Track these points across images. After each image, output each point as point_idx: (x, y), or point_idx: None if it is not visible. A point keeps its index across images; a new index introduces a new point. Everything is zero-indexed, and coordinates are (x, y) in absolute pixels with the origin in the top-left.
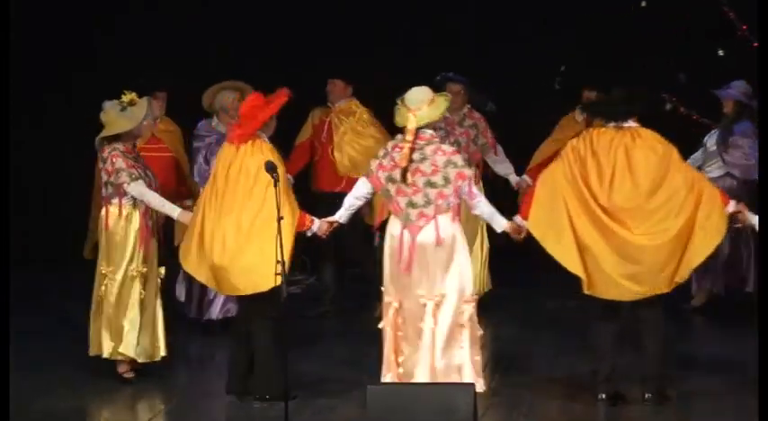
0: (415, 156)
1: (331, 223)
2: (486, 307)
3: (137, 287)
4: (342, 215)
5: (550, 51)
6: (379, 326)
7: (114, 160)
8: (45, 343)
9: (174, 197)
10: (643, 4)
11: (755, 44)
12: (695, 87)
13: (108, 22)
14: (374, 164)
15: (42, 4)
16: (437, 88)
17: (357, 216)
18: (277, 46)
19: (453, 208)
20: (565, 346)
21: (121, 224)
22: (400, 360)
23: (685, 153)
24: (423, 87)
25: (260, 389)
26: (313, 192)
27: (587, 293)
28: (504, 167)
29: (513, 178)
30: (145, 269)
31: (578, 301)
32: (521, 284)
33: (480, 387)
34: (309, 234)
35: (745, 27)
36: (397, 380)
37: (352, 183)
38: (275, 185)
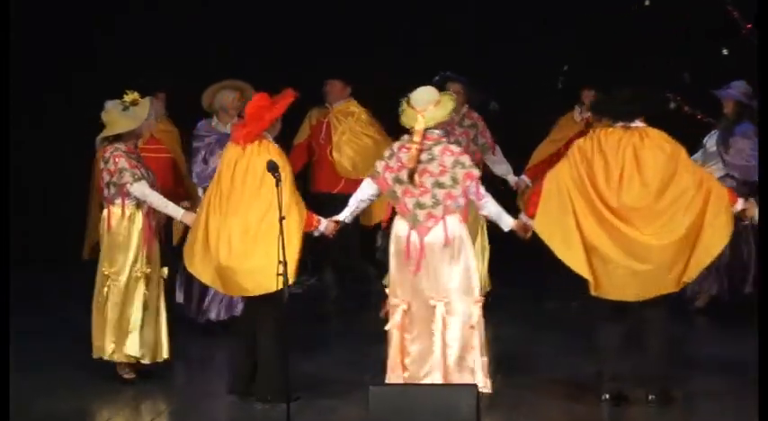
0: (423, 156)
1: (337, 222)
2: (487, 307)
3: (141, 288)
4: (346, 215)
5: (550, 51)
6: (387, 327)
7: (117, 160)
8: (45, 343)
9: (171, 198)
10: (647, 2)
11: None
12: (699, 87)
13: (108, 22)
14: (380, 165)
15: (42, 4)
16: (437, 88)
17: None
18: (277, 46)
19: (461, 208)
20: (567, 347)
21: (124, 225)
22: (407, 362)
23: (688, 153)
24: (428, 87)
25: (262, 391)
26: (312, 193)
27: (595, 295)
28: (502, 168)
29: (512, 178)
30: (148, 270)
31: (580, 302)
32: (522, 285)
33: (488, 388)
34: (317, 234)
35: (748, 26)
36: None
37: (350, 183)
38: (277, 185)
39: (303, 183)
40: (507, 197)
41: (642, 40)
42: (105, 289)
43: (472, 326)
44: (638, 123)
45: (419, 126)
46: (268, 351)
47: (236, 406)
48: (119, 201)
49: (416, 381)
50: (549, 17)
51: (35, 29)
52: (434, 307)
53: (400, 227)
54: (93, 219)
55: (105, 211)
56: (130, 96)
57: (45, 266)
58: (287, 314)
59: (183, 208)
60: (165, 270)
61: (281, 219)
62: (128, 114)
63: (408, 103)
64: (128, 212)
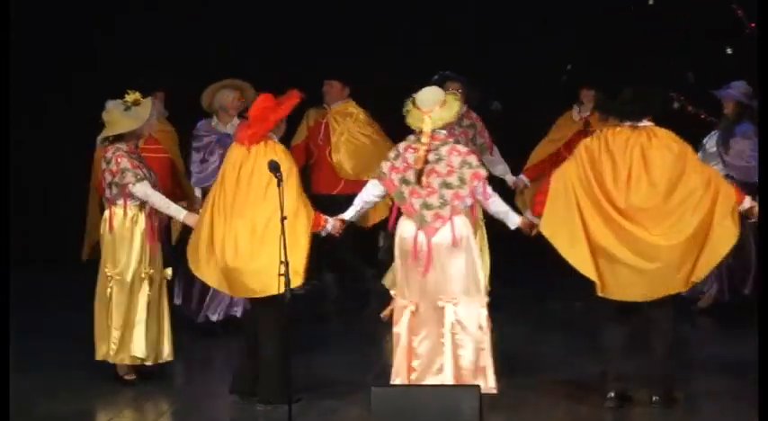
0: (430, 157)
1: (343, 221)
2: (489, 307)
3: (145, 289)
4: (351, 214)
5: (550, 51)
6: (395, 329)
7: (119, 160)
8: (45, 343)
9: (168, 198)
10: (650, 1)
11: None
12: (703, 87)
13: (108, 22)
14: (386, 166)
15: (42, 4)
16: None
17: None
18: (277, 46)
19: (468, 209)
20: (570, 347)
21: (127, 225)
22: (414, 364)
23: None
24: (433, 88)
25: (264, 393)
26: (311, 194)
27: (601, 295)
28: (499, 168)
29: (510, 178)
30: (152, 271)
31: (584, 302)
32: (524, 285)
33: (495, 389)
34: (324, 234)
35: (752, 25)
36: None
37: (350, 184)
38: (279, 185)
39: (303, 184)
40: (505, 197)
41: (642, 40)
42: (109, 290)
43: (481, 327)
44: (646, 123)
45: (427, 127)
46: (270, 352)
47: (238, 407)
48: (121, 201)
49: (425, 383)
50: (549, 17)
51: (35, 29)
52: (443, 308)
53: (406, 228)
54: (92, 220)
55: (107, 212)
56: (132, 96)
57: (45, 266)
58: (291, 316)
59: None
60: (169, 271)
61: (283, 218)
62: (130, 114)
63: (414, 103)
64: (130, 213)
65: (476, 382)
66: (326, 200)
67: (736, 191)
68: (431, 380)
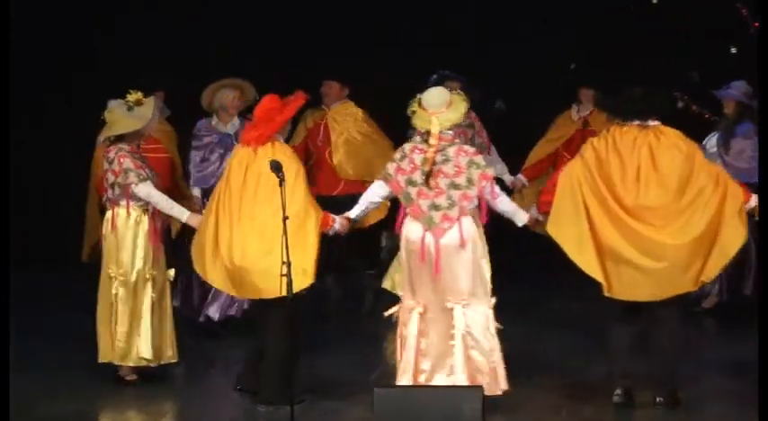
0: (437, 158)
1: (349, 219)
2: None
3: (149, 290)
4: (357, 213)
5: (550, 51)
6: (406, 332)
7: (122, 160)
8: (45, 343)
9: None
10: (654, 0)
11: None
12: (707, 86)
13: (108, 22)
14: (391, 167)
15: (42, 4)
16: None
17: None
18: (277, 46)
19: (475, 209)
20: (570, 348)
21: (130, 226)
22: (423, 366)
23: None
24: (439, 88)
25: (265, 394)
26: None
27: (608, 295)
28: (498, 168)
29: (508, 178)
30: (155, 271)
31: (582, 302)
32: (524, 285)
33: (507, 388)
34: (332, 233)
35: (755, 24)
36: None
37: (350, 185)
38: (280, 185)
39: None
40: None
41: (642, 39)
42: (114, 291)
43: (489, 327)
44: (654, 122)
45: (435, 129)
46: (274, 353)
47: (240, 407)
48: (123, 202)
49: (435, 384)
50: (549, 17)
51: (35, 29)
52: (452, 309)
53: (413, 229)
54: (92, 220)
55: (109, 212)
56: (134, 96)
57: (45, 266)
58: (292, 316)
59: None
60: (172, 272)
61: (285, 219)
62: (132, 114)
63: (420, 104)
64: (133, 213)
65: (488, 383)
66: (327, 201)
67: (743, 189)
68: (442, 381)
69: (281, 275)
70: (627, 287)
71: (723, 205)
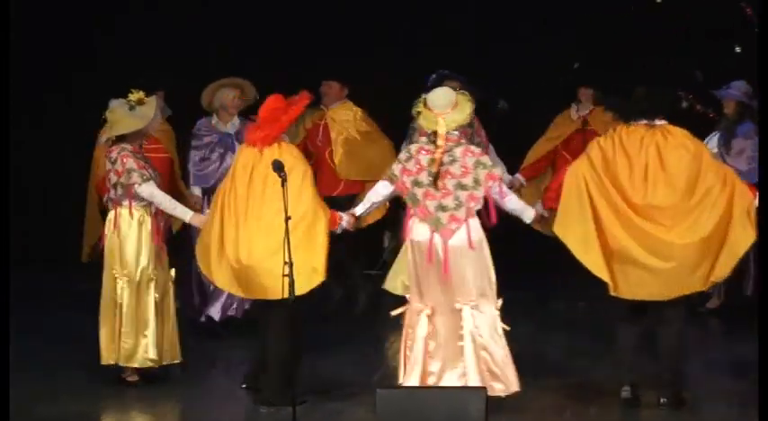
0: (444, 158)
1: (354, 216)
2: None
3: (152, 290)
4: (362, 210)
5: (550, 51)
6: (418, 334)
7: (125, 161)
8: (45, 343)
9: None
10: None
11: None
12: (711, 85)
13: (108, 22)
14: (397, 168)
15: (42, 4)
16: (435, 87)
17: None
18: (277, 46)
19: (482, 210)
20: (574, 348)
21: (134, 226)
22: (432, 368)
23: None
24: (444, 88)
25: (266, 394)
26: None
27: (614, 295)
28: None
29: (506, 177)
30: (159, 271)
31: (587, 302)
32: (526, 286)
33: (518, 388)
34: (340, 231)
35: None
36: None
37: (350, 185)
38: (282, 185)
39: None
40: None
41: (643, 39)
42: (118, 292)
43: (497, 328)
44: (660, 121)
45: (441, 130)
46: (275, 354)
47: (242, 408)
48: (126, 202)
49: (445, 384)
50: (549, 17)
51: (35, 29)
52: (460, 310)
53: (420, 230)
54: (91, 220)
55: (112, 213)
56: (136, 95)
57: (45, 266)
58: (294, 316)
59: None
60: (173, 272)
61: (287, 219)
62: (134, 114)
63: (425, 105)
64: (136, 214)
65: (499, 384)
66: (327, 201)
67: (750, 188)
68: (452, 383)
69: (284, 276)
70: (634, 286)
71: (731, 205)
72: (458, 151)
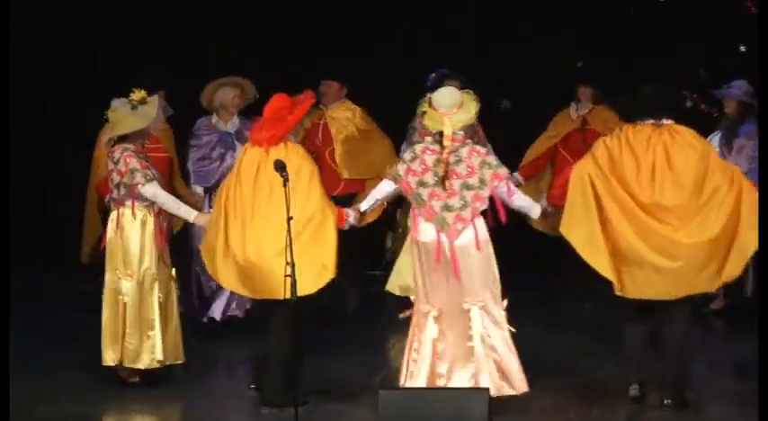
0: (450, 158)
1: (359, 212)
2: None
3: (156, 290)
4: (366, 207)
5: (550, 51)
6: (419, 337)
7: (128, 160)
8: (45, 343)
9: None
10: None
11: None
12: (715, 85)
13: (108, 22)
14: (402, 168)
15: (42, 4)
16: (435, 86)
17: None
18: (277, 46)
19: (488, 210)
20: (579, 349)
21: (136, 226)
22: (441, 370)
23: None
24: (449, 88)
25: (268, 395)
26: None
27: (619, 294)
28: None
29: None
30: (161, 272)
31: (594, 303)
32: (530, 286)
33: (527, 388)
34: (347, 227)
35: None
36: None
37: (350, 185)
38: (284, 185)
39: None
40: None
41: (643, 39)
42: (122, 292)
43: (504, 329)
44: (667, 121)
45: (447, 130)
46: (277, 355)
47: (244, 409)
48: (129, 202)
49: (455, 385)
50: (549, 17)
51: (35, 29)
52: (468, 310)
53: (426, 231)
54: (91, 220)
55: (114, 213)
56: (138, 95)
57: (45, 266)
58: (296, 317)
59: None
60: (174, 271)
61: (289, 219)
62: (136, 113)
63: (430, 104)
64: (139, 214)
65: (508, 384)
66: None
67: (755, 187)
68: (462, 383)
69: (286, 276)
70: (642, 286)
71: (739, 204)
72: (464, 151)
